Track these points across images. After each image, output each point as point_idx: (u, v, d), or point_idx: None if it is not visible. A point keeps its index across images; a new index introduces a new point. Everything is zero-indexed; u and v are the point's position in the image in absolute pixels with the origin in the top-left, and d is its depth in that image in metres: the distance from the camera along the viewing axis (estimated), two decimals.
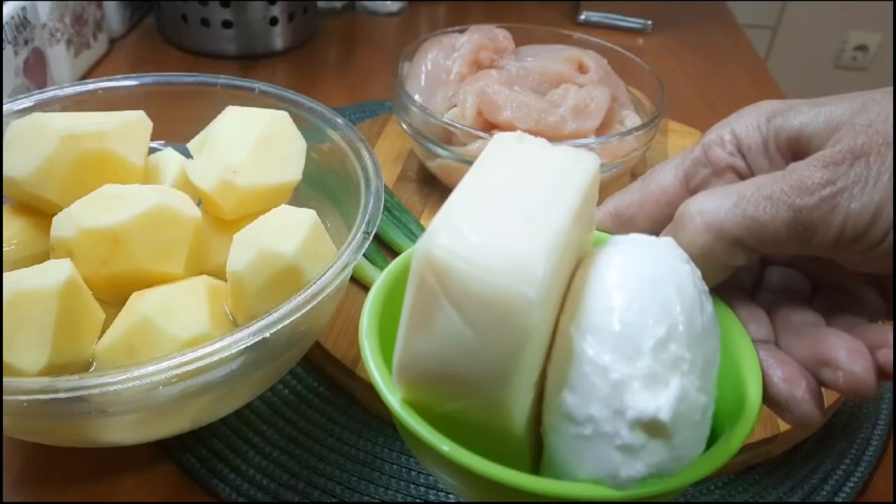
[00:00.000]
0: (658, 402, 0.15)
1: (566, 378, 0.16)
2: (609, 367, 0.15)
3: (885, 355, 0.15)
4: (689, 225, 0.17)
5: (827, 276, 0.19)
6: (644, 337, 0.15)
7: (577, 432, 0.16)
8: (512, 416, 0.16)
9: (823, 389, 0.17)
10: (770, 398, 0.17)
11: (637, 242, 0.17)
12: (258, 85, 0.32)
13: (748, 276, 0.19)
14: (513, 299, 0.14)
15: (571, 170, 0.17)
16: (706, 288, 0.17)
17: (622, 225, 0.20)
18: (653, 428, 0.15)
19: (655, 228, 0.19)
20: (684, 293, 0.15)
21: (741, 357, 0.18)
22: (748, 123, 0.19)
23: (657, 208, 0.19)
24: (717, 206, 0.16)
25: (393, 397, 0.17)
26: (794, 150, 0.17)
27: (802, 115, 0.17)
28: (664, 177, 0.19)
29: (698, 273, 0.16)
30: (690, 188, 0.19)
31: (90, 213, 0.24)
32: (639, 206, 0.19)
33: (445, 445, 0.16)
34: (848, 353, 0.15)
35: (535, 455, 0.18)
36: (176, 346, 0.22)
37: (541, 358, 0.16)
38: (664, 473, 0.15)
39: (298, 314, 0.22)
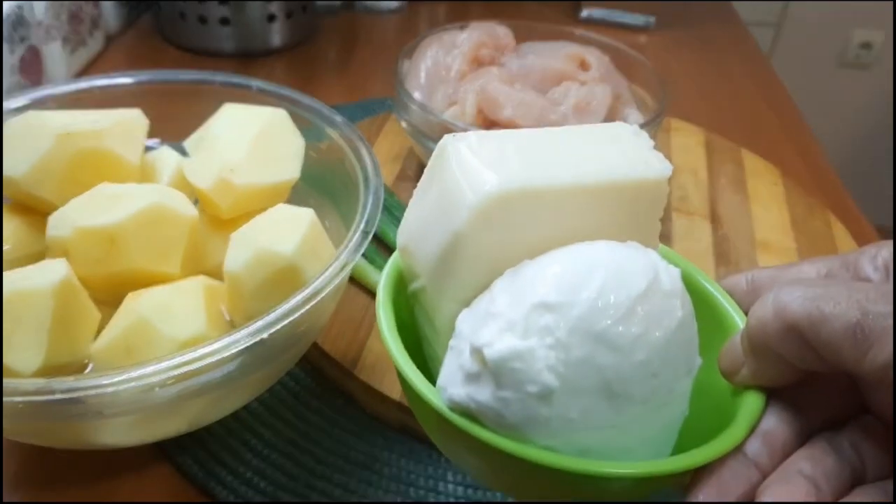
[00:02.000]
0: (494, 342, 0.15)
1: (475, 299, 0.17)
2: (496, 300, 0.16)
3: None
4: (764, 298, 0.16)
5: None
6: (535, 295, 0.16)
7: (452, 343, 0.17)
8: (438, 311, 0.18)
9: None
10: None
11: (624, 245, 0.17)
12: (256, 83, 0.31)
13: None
14: (458, 200, 0.16)
15: (624, 164, 0.18)
16: (684, 295, 0.17)
17: (749, 291, 0.19)
18: (481, 361, 0.16)
19: None
20: (614, 296, 0.16)
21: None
22: None
23: None
24: (799, 290, 0.16)
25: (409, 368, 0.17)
26: None
27: None
28: (806, 266, 0.19)
29: (678, 293, 0.16)
30: None
31: (86, 213, 0.24)
32: (770, 280, 0.19)
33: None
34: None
35: None
36: (173, 347, 0.22)
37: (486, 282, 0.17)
38: (480, 420, 0.16)
39: (296, 314, 0.21)
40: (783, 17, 1.07)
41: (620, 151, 0.18)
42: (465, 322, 0.17)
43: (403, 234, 0.19)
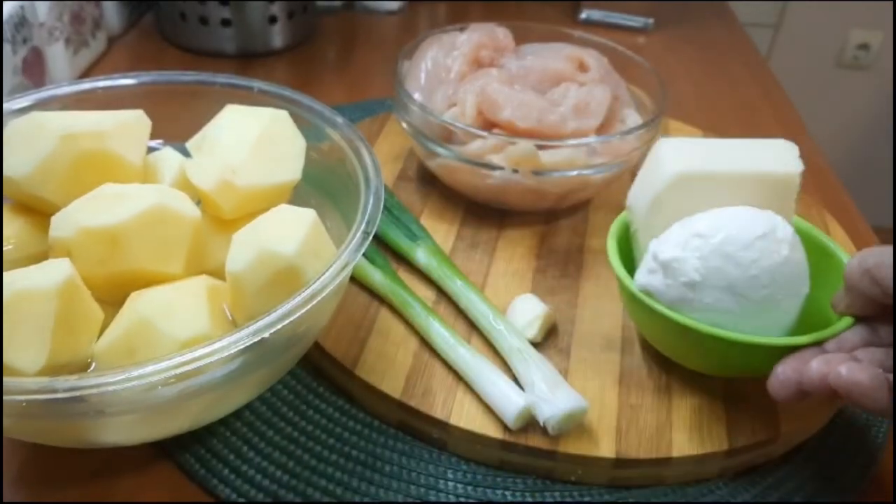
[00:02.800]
0: (666, 252, 0.26)
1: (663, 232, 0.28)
2: (672, 232, 0.27)
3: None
4: (854, 255, 0.25)
5: None
6: (693, 228, 0.26)
7: (644, 258, 0.28)
8: (643, 242, 0.29)
9: None
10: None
11: (758, 210, 0.27)
12: (257, 84, 0.31)
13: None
14: (660, 176, 0.28)
15: (770, 163, 0.28)
16: (794, 243, 0.26)
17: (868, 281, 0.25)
18: (657, 261, 0.27)
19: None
20: (741, 234, 0.26)
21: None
22: None
23: None
24: (873, 250, 0.24)
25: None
26: None
27: None
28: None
29: (787, 241, 0.26)
30: None
31: (89, 213, 0.24)
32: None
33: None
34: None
35: None
36: (175, 347, 0.22)
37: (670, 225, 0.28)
38: (655, 297, 0.27)
39: (298, 314, 0.22)
40: (781, 19, 1.08)
41: (771, 155, 0.28)
42: (654, 245, 0.27)
43: (630, 198, 0.30)
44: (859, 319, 0.26)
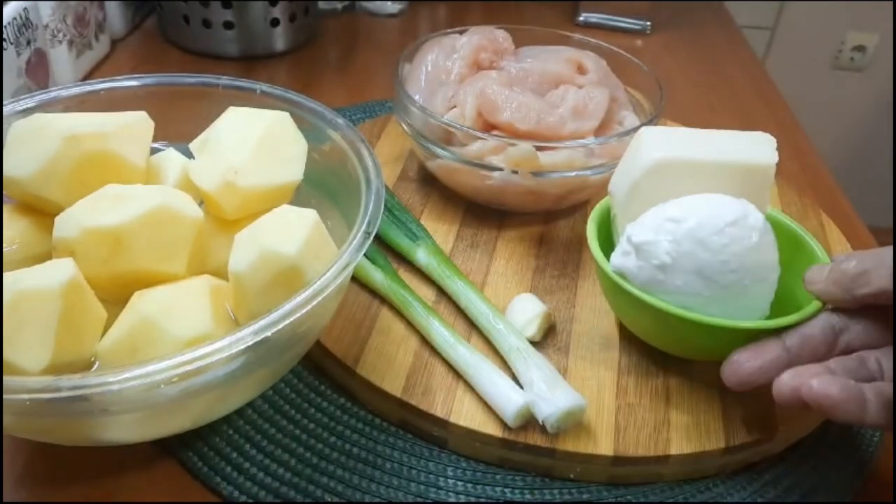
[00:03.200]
0: (639, 233, 0.27)
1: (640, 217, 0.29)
2: (647, 216, 0.28)
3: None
4: (847, 257, 0.26)
5: None
6: (667, 213, 0.27)
7: (620, 240, 0.29)
8: (620, 226, 0.30)
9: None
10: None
11: (731, 197, 0.27)
12: (260, 86, 0.32)
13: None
14: (638, 163, 0.28)
15: (746, 153, 0.28)
16: (764, 231, 0.27)
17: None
18: (630, 244, 0.28)
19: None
20: (713, 220, 0.26)
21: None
22: None
23: None
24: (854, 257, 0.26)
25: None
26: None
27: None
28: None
29: (758, 228, 0.27)
30: None
31: (92, 214, 0.24)
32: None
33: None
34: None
35: None
36: (177, 346, 0.22)
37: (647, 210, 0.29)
38: (628, 279, 0.28)
39: (300, 313, 0.22)
40: (778, 21, 1.08)
41: (749, 146, 0.28)
42: (629, 228, 0.28)
43: (611, 183, 0.30)
44: (832, 310, 0.26)
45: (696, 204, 0.27)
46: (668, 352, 0.30)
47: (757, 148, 0.28)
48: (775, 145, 0.28)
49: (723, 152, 0.28)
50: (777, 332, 0.26)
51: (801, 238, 0.30)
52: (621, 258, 0.28)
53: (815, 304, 0.26)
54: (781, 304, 0.28)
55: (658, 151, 0.28)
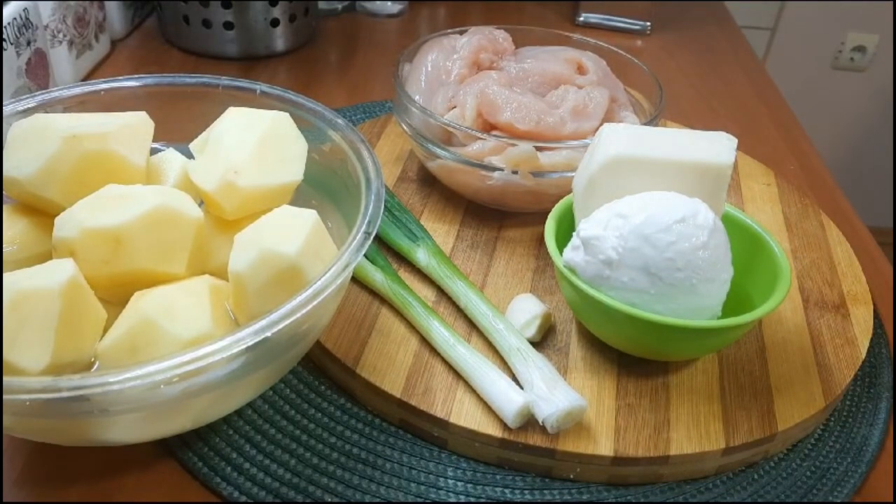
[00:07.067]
0: (588, 230, 0.27)
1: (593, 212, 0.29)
2: (599, 212, 0.28)
3: None
4: None
5: None
6: (617, 209, 0.27)
7: (573, 234, 0.29)
8: (577, 220, 0.30)
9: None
10: None
11: (683, 196, 0.27)
12: (260, 86, 0.32)
13: None
14: (595, 158, 0.29)
15: (702, 153, 0.28)
16: (715, 230, 0.27)
17: None
18: (579, 237, 0.28)
19: None
20: (661, 217, 0.26)
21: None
22: None
23: None
24: None
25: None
26: None
27: None
28: None
29: (707, 227, 0.26)
30: None
31: (92, 214, 0.24)
32: None
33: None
34: None
35: None
36: (178, 346, 0.22)
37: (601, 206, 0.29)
38: (577, 273, 0.28)
39: (300, 314, 0.22)
40: (778, 21, 1.08)
41: (707, 146, 0.28)
42: (582, 223, 0.28)
43: (574, 180, 0.30)
44: None
45: (647, 201, 0.27)
46: (621, 350, 0.30)
47: (715, 148, 0.28)
48: (735, 146, 0.28)
49: (680, 151, 0.28)
50: (721, 331, 0.26)
51: (761, 238, 0.30)
52: (571, 252, 0.28)
53: (770, 304, 0.26)
54: (738, 303, 0.27)
55: (614, 148, 0.28)
